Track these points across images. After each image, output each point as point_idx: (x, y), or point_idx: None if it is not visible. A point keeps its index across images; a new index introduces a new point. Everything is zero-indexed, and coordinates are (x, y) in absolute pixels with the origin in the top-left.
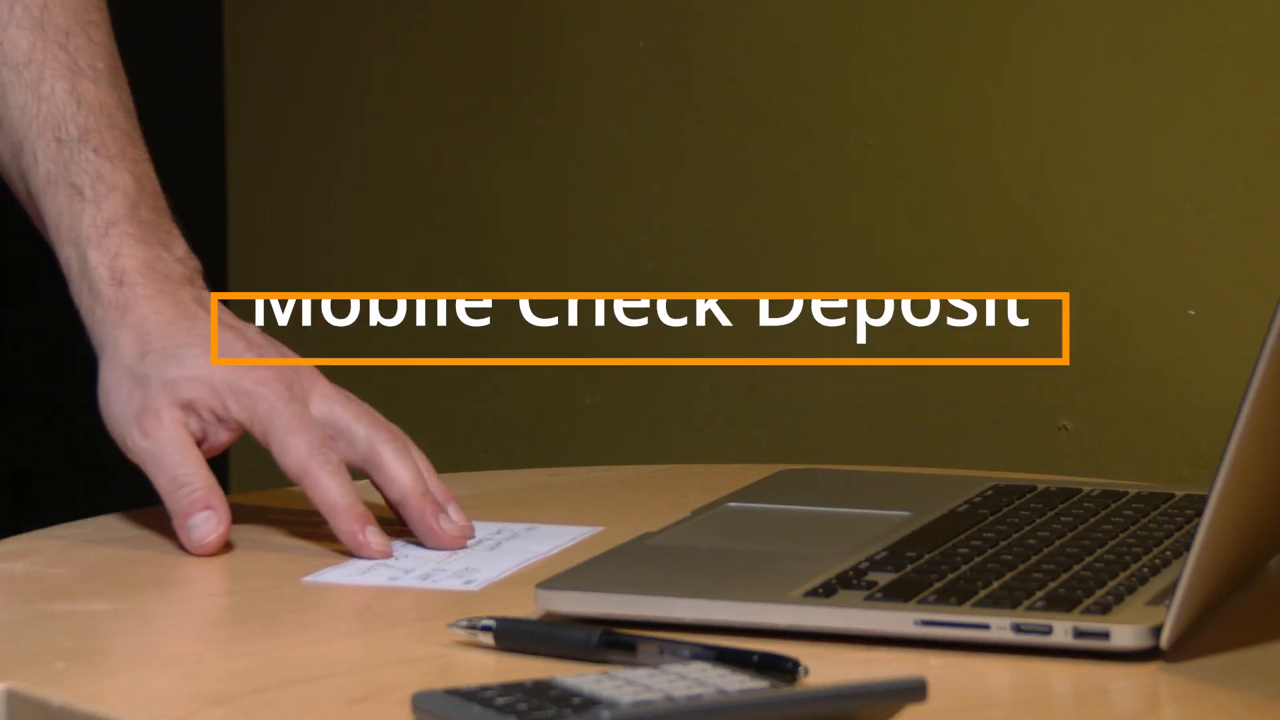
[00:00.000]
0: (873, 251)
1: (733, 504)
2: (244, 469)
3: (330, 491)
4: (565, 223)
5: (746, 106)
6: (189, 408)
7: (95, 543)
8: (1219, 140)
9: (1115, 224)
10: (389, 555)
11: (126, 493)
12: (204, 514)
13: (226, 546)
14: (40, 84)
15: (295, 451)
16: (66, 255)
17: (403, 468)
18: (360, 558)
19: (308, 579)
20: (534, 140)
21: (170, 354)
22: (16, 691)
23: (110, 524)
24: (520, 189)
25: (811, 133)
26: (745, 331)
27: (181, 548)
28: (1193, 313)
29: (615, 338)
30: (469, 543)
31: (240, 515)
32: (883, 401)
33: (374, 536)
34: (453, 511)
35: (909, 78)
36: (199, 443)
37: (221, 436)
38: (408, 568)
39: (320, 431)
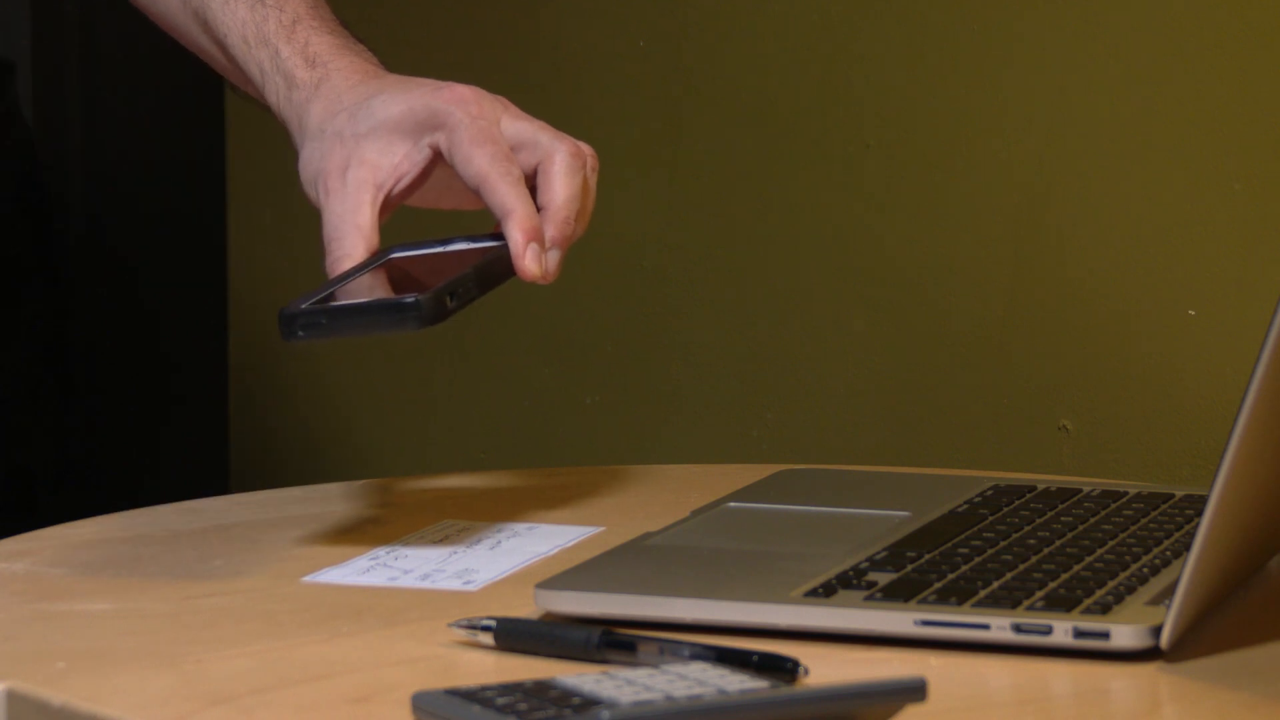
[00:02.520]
0: (873, 251)
1: (733, 504)
2: (243, 468)
3: (507, 198)
4: None
5: (746, 106)
6: (383, 147)
7: (95, 543)
8: (1219, 140)
9: (1115, 224)
10: (541, 278)
11: (127, 493)
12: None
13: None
14: None
15: (478, 161)
16: (259, 58)
17: (563, 182)
18: (518, 270)
19: (307, 579)
20: None
21: (360, 106)
22: (16, 691)
23: (110, 524)
24: None
25: (811, 133)
26: (745, 332)
27: (213, 545)
28: (1193, 313)
29: (615, 338)
30: (466, 545)
31: (240, 515)
32: (883, 401)
33: (533, 255)
34: (552, 256)
35: (909, 78)
36: (397, 180)
37: (418, 156)
38: (407, 568)
39: (505, 146)
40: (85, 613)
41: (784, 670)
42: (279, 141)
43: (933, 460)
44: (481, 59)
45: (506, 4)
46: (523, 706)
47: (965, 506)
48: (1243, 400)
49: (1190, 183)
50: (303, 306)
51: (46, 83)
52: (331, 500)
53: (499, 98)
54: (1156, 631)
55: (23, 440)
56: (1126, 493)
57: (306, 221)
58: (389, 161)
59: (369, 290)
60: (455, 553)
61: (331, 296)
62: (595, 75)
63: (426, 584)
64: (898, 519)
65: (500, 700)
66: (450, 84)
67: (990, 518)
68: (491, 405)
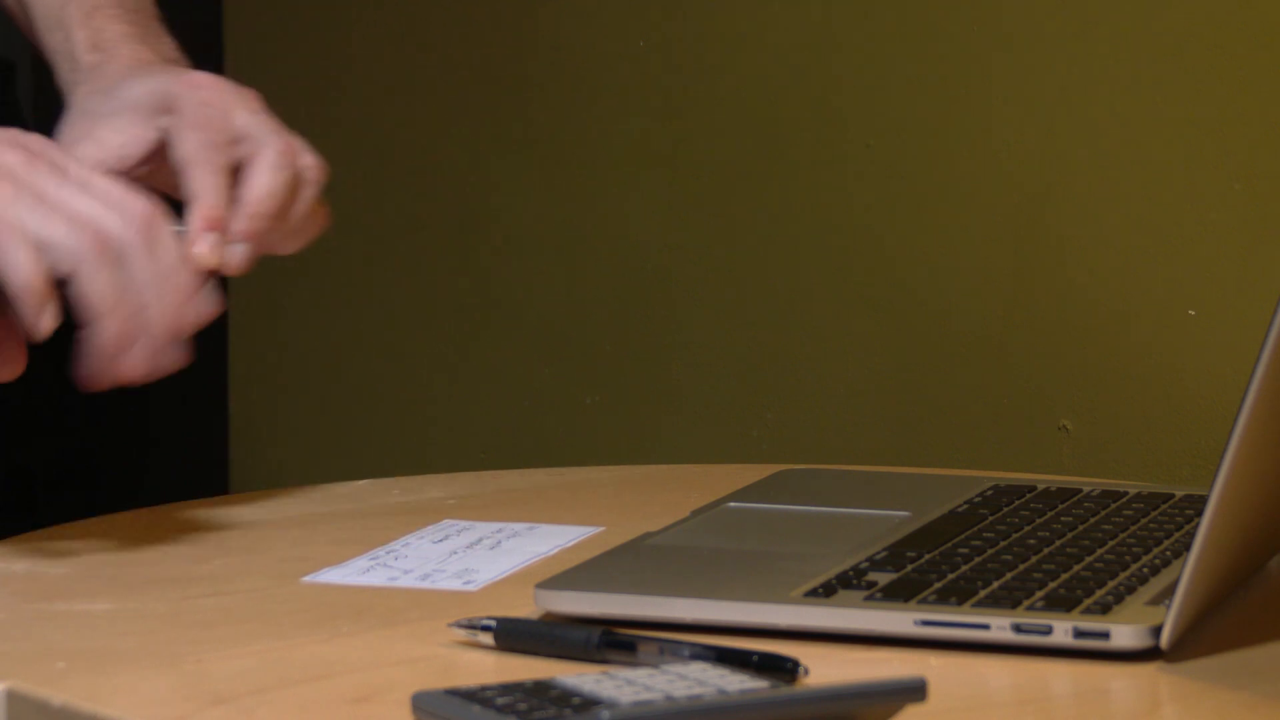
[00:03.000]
0: (873, 251)
1: (733, 504)
2: (243, 468)
3: (197, 183)
4: (565, 222)
5: (746, 106)
6: (118, 126)
7: (95, 543)
8: (1219, 140)
9: (1115, 224)
10: (228, 270)
11: (127, 493)
12: None
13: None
14: None
15: (188, 145)
16: (53, 41)
17: (264, 177)
18: (188, 253)
19: (307, 579)
20: (534, 140)
21: (112, 89)
22: (16, 691)
23: (110, 524)
24: (521, 189)
25: (811, 133)
26: (745, 332)
27: (213, 545)
28: (1193, 313)
29: (615, 338)
30: (466, 546)
31: (239, 515)
32: (883, 401)
33: (206, 242)
34: (237, 250)
35: (909, 78)
36: (121, 159)
37: (146, 136)
38: (407, 568)
39: (223, 137)
40: (85, 613)
41: (784, 670)
42: None
43: (933, 460)
44: (481, 59)
45: (507, 4)
46: (523, 706)
47: (965, 506)
48: (1243, 400)
49: (1190, 183)
50: None
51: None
52: (331, 500)
53: (248, 92)
54: (1156, 631)
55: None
56: (1126, 493)
57: None
58: (117, 140)
59: None
60: (455, 553)
61: None
62: (595, 75)
63: (426, 584)
64: (898, 519)
65: (500, 700)
66: (198, 73)
67: (990, 518)
68: (491, 405)
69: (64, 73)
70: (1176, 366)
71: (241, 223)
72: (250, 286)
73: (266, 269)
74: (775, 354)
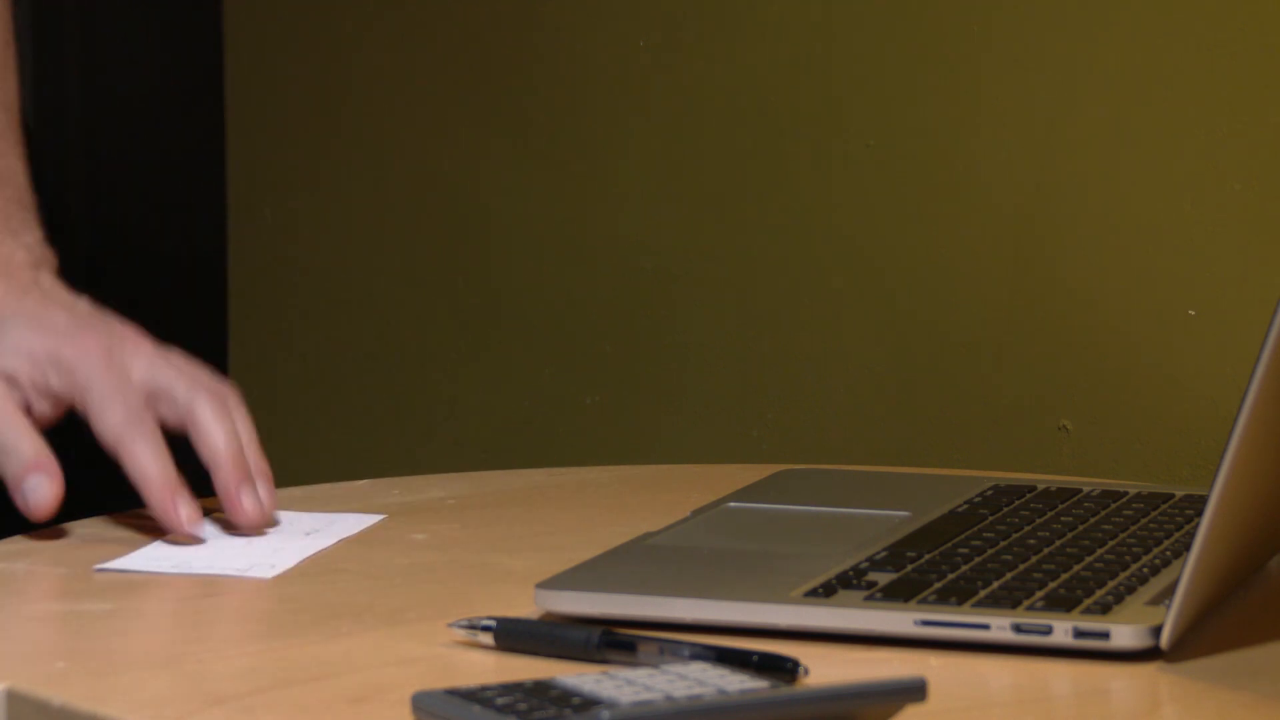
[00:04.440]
0: (872, 251)
1: (733, 504)
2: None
3: (142, 460)
4: (565, 222)
5: (746, 106)
6: (11, 380)
7: (95, 543)
8: (1219, 140)
9: (1115, 224)
10: (199, 523)
11: (126, 492)
12: (36, 478)
13: (65, 514)
14: None
15: (111, 420)
16: None
17: (219, 428)
18: (171, 532)
19: (99, 567)
20: (534, 140)
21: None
22: (16, 691)
23: (110, 524)
24: (520, 188)
25: (811, 133)
26: (745, 332)
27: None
28: (1193, 313)
29: (615, 338)
30: (273, 532)
31: None
32: (883, 401)
33: (185, 507)
34: (261, 488)
35: (909, 78)
36: (31, 414)
37: (43, 407)
38: (197, 553)
39: (139, 400)
40: (85, 613)
41: (784, 670)
42: (279, 141)
43: (933, 460)
44: (481, 59)
45: (507, 4)
46: (523, 706)
47: (965, 506)
48: (1243, 400)
49: (1190, 183)
50: None
51: (47, 83)
52: (331, 501)
53: (127, 333)
54: (1156, 631)
55: None
56: (1126, 493)
57: (307, 221)
58: (19, 395)
59: None
60: (244, 539)
61: None
62: (595, 75)
63: (214, 570)
64: (898, 519)
65: (500, 700)
66: (80, 330)
67: (990, 518)
68: (491, 405)
69: None
70: (1176, 366)
71: (236, 472)
72: (250, 286)
73: (266, 269)
74: (775, 354)
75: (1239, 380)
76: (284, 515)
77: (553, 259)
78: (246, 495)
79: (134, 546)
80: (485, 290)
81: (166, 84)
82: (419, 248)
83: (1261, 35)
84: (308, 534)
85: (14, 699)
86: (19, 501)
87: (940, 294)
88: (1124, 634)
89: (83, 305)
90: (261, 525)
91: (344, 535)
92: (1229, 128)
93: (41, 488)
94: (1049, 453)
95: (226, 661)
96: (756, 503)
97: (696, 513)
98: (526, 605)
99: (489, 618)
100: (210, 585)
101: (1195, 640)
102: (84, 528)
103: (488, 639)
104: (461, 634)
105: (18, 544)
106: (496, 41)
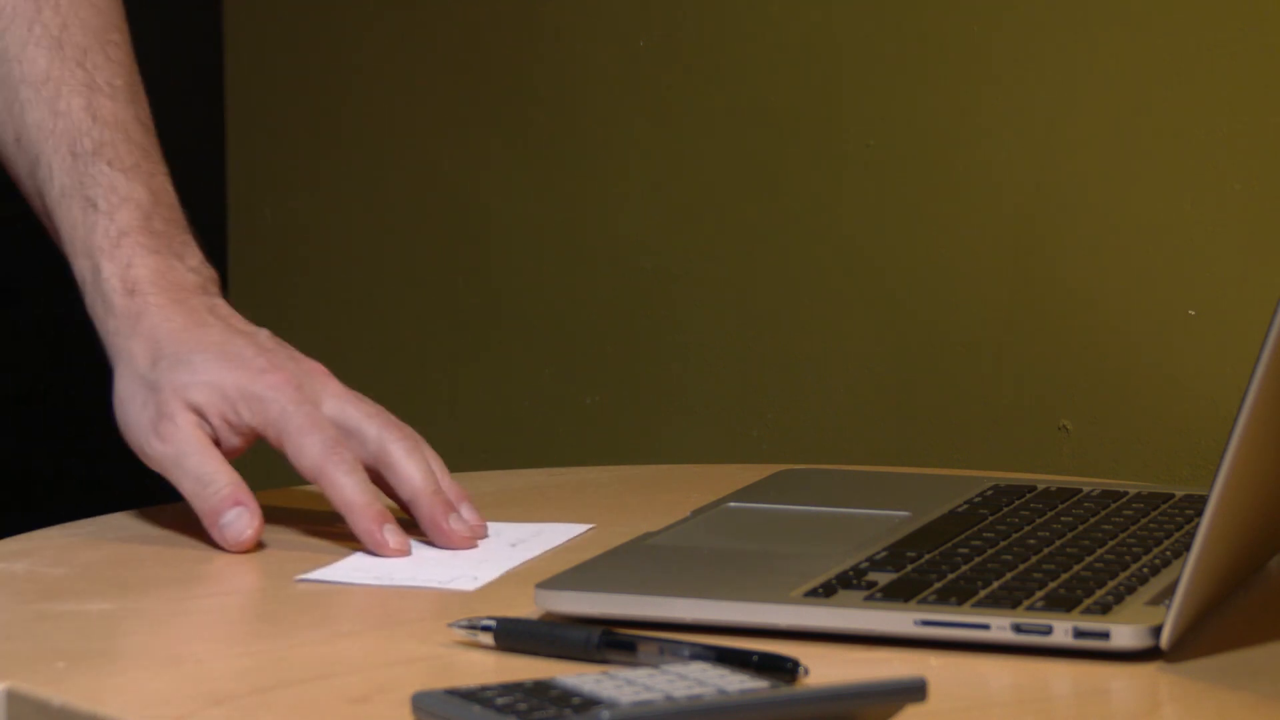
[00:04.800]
0: (872, 251)
1: (733, 504)
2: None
3: (346, 490)
4: (565, 222)
5: (746, 106)
6: (200, 413)
7: (95, 543)
8: (1219, 140)
9: (1115, 224)
10: (407, 554)
11: (126, 493)
12: (234, 510)
13: (259, 544)
14: (57, 100)
15: (310, 452)
16: (80, 267)
17: (413, 466)
18: (381, 551)
19: (300, 578)
20: (534, 140)
21: (181, 360)
22: (16, 691)
23: (110, 524)
24: (520, 188)
25: (811, 133)
26: (745, 331)
27: (214, 544)
28: (1193, 313)
29: (615, 337)
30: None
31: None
32: (883, 401)
33: (392, 535)
34: (465, 511)
35: (909, 78)
36: (222, 448)
37: (234, 442)
38: (396, 565)
39: (333, 431)
40: (85, 613)
41: (784, 670)
42: (279, 141)
43: (933, 460)
44: (481, 59)
45: (507, 5)
46: (523, 706)
47: (965, 506)
48: (1243, 400)
49: (1190, 183)
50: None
51: None
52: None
53: (315, 367)
54: (1156, 631)
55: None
56: (1126, 493)
57: (306, 221)
58: (208, 428)
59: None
60: (448, 551)
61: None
62: (595, 75)
63: (416, 583)
64: (898, 519)
65: (500, 700)
66: (269, 363)
67: (990, 518)
68: (491, 405)
69: (96, 310)
70: (1176, 366)
71: (439, 505)
72: (250, 286)
73: (266, 269)
74: (775, 354)
75: (1239, 380)
76: (492, 526)
77: (553, 259)
78: (453, 520)
79: (136, 546)
80: (485, 290)
81: (166, 84)
82: (419, 248)
83: (1261, 35)
84: (513, 545)
85: (14, 699)
86: (216, 535)
87: (940, 294)
88: (1124, 634)
89: (264, 335)
90: (472, 543)
91: (550, 546)
92: (1229, 128)
93: (240, 520)
94: (1049, 453)
95: (226, 661)
96: (756, 503)
97: (696, 513)
98: (526, 605)
99: (489, 618)
100: (210, 585)
101: (1195, 640)
102: (84, 528)
103: (488, 639)
104: (461, 634)
105: (18, 544)
106: (496, 42)
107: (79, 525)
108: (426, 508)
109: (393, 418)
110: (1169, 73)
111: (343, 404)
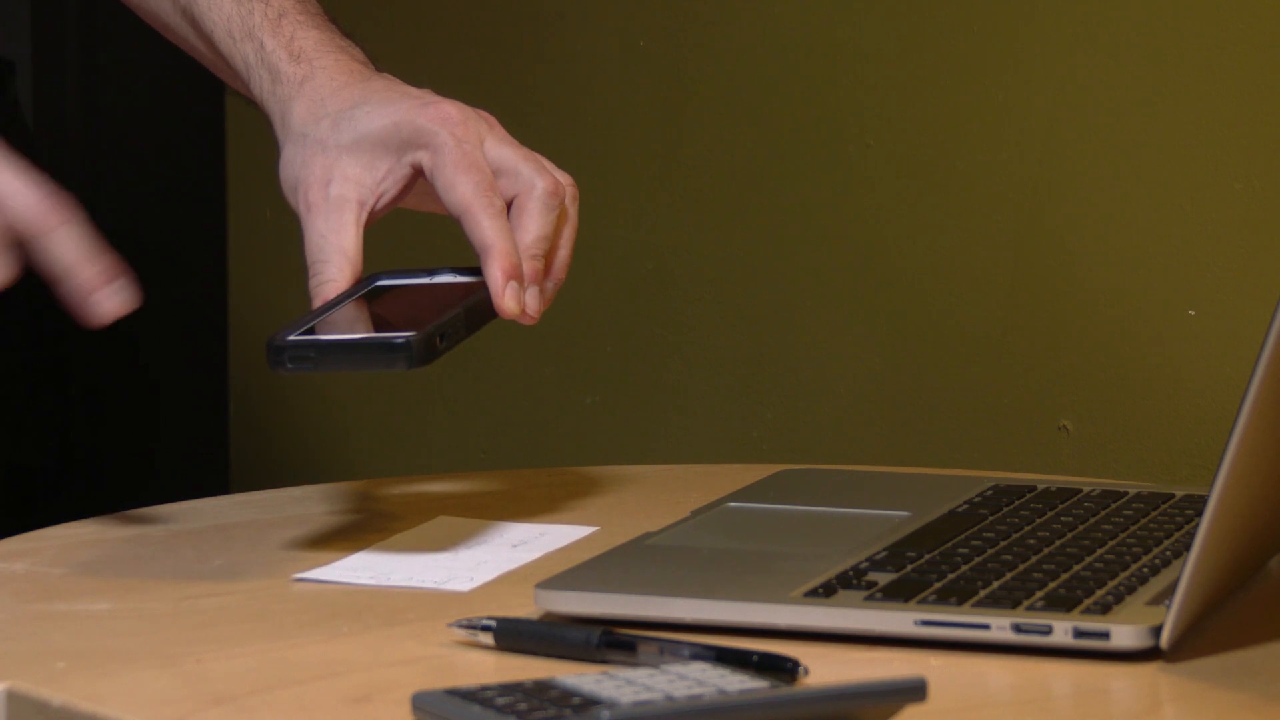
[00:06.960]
0: (873, 251)
1: (733, 504)
2: (243, 468)
3: (488, 232)
4: None
5: (746, 106)
6: (367, 162)
7: (95, 543)
8: (1219, 140)
9: (1115, 224)
10: (518, 315)
11: (126, 493)
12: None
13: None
14: None
15: (462, 189)
16: (244, 51)
17: (538, 222)
18: (497, 308)
19: (297, 576)
20: (533, 139)
21: (344, 115)
22: (16, 691)
23: (110, 524)
24: None
25: (811, 133)
26: (745, 332)
27: (214, 545)
28: (1193, 313)
29: (615, 338)
30: (462, 545)
31: (240, 515)
32: (883, 401)
33: (512, 293)
34: (531, 294)
35: (909, 78)
36: (379, 198)
37: (401, 173)
38: (396, 566)
39: (489, 174)
40: (85, 613)
41: (784, 670)
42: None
43: (933, 460)
44: (481, 60)
45: (507, 5)
46: (523, 706)
47: (965, 506)
48: (1243, 400)
49: (1190, 183)
50: (290, 338)
51: (46, 83)
52: (331, 500)
53: (484, 115)
54: (1156, 631)
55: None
56: (1126, 493)
57: None
58: (371, 178)
59: (356, 324)
60: (448, 552)
61: (317, 327)
62: (595, 75)
63: (413, 583)
64: (898, 519)
65: (500, 700)
66: (436, 99)
67: (990, 518)
68: (491, 405)
69: (262, 85)
70: (1176, 366)
71: (527, 266)
72: (250, 286)
73: (266, 269)
74: (775, 354)
75: (1239, 380)
76: (496, 525)
77: None
78: (510, 290)
79: (136, 546)
80: None
81: (166, 85)
82: (417, 247)
83: (1261, 35)
84: (514, 546)
85: (14, 699)
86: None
87: (940, 295)
88: (1124, 634)
89: (431, 94)
90: (521, 316)
91: (552, 548)
92: (1229, 128)
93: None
94: (1049, 453)
95: (226, 661)
96: (756, 503)
97: (696, 513)
98: (526, 605)
99: (489, 618)
100: (210, 585)
101: (1195, 640)
102: (84, 528)
103: (488, 639)
104: (461, 634)
105: (18, 544)
106: (496, 41)
107: (79, 525)
108: (500, 265)
109: (552, 167)
110: (1169, 73)
111: (503, 146)
